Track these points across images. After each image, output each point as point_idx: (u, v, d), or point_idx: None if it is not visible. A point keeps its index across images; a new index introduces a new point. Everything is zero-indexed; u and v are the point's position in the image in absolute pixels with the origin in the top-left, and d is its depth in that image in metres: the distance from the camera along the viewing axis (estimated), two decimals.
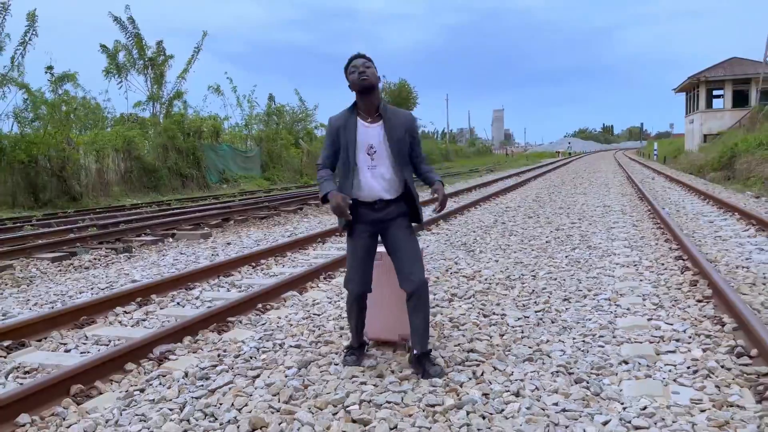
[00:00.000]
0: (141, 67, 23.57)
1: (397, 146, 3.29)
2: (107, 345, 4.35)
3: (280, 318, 4.73)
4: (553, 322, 4.24)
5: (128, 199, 18.98)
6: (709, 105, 39.31)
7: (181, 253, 8.21)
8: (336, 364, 3.61)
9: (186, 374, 3.56)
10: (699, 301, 4.58)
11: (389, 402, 3.02)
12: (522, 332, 4.06)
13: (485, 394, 3.05)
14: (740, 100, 37.80)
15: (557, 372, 3.30)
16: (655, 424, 2.65)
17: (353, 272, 3.44)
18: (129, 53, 23.45)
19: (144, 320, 4.96)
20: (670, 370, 3.26)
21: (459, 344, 3.86)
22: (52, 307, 5.45)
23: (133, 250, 8.65)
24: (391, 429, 2.74)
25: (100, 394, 3.34)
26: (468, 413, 2.83)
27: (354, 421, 2.83)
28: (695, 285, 5.03)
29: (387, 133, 3.29)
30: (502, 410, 2.85)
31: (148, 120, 24.34)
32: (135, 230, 9.91)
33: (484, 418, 2.80)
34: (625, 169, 28.11)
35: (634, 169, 28.52)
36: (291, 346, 4.00)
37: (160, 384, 3.44)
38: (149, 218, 11.77)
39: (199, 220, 11.19)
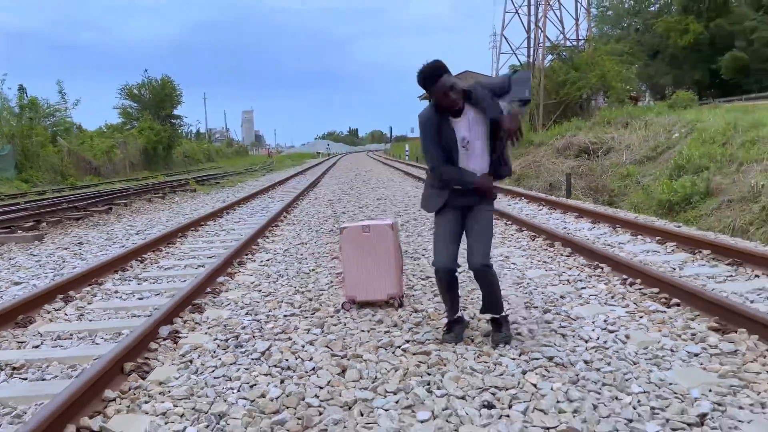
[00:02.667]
0: None
1: (483, 132, 3.46)
2: (70, 339, 4.20)
3: (239, 298, 4.97)
4: None
5: None
6: None
7: (33, 255, 7.47)
8: (344, 323, 4.13)
9: (218, 345, 3.77)
10: (568, 256, 6.04)
11: (428, 340, 3.71)
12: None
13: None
14: None
15: (527, 307, 4.31)
16: (620, 327, 3.80)
17: (438, 249, 3.58)
18: None
19: (83, 315, 4.77)
20: (595, 297, 4.50)
21: (429, 298, 4.65)
22: None
23: None
24: (453, 353, 3.46)
25: (152, 369, 3.42)
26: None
27: (414, 354, 3.48)
28: (553, 246, 6.53)
29: (479, 119, 3.44)
30: (519, 333, 3.76)
31: None
32: None
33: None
34: (393, 167, 30.95)
35: (401, 167, 31.41)
36: (287, 316, 4.39)
37: (201, 355, 3.62)
38: None
39: (8, 223, 9.95)
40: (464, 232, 3.64)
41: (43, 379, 3.47)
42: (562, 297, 4.56)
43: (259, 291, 5.21)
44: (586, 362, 3.24)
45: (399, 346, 3.62)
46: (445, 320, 4.03)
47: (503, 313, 3.67)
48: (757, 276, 4.97)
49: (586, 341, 3.57)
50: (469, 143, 3.47)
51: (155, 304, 4.94)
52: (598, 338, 3.61)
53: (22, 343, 4.09)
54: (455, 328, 3.70)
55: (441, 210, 3.63)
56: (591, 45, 29.51)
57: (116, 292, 5.45)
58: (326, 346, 3.67)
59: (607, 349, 3.44)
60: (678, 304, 4.16)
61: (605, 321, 3.93)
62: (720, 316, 3.76)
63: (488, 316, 3.71)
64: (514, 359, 3.32)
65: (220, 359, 3.52)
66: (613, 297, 4.51)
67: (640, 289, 4.63)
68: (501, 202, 11.73)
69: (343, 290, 4.59)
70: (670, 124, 19.46)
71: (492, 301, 3.62)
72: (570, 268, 5.52)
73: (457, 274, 3.66)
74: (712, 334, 3.57)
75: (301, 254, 6.91)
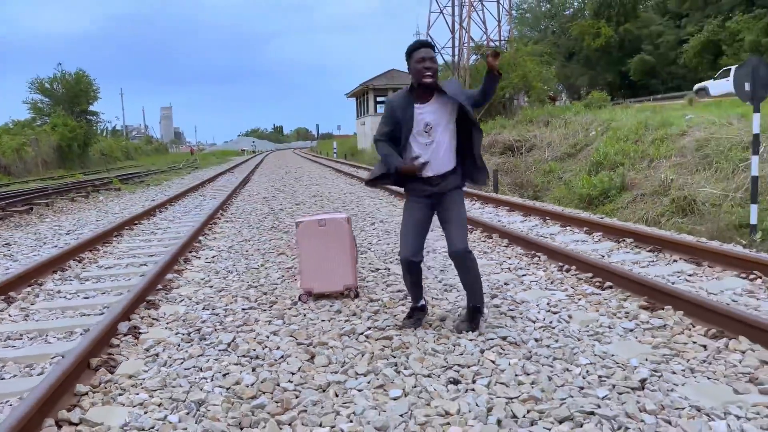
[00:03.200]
0: None
1: (453, 113, 3.58)
2: (20, 339, 4.11)
3: (192, 294, 4.99)
4: (428, 269, 5.51)
5: None
6: (376, 109, 45.42)
7: None
8: (304, 314, 4.26)
9: (182, 339, 3.81)
10: (506, 246, 6.40)
11: (389, 326, 3.91)
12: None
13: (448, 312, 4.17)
14: None
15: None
16: (562, 309, 4.13)
17: (404, 240, 3.68)
18: None
19: (28, 315, 4.65)
20: (536, 283, 4.84)
21: (382, 288, 4.85)
22: None
23: None
24: (415, 337, 3.67)
25: (118, 363, 3.43)
26: (453, 321, 3.92)
27: (378, 339, 3.66)
28: (491, 237, 6.88)
29: (443, 108, 3.56)
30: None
31: None
32: None
33: (464, 322, 3.92)
34: (322, 164, 30.97)
35: (331, 164, 31.43)
36: (245, 309, 4.46)
37: (166, 349, 3.66)
38: None
39: None
40: (439, 221, 3.75)
41: (2, 378, 3.41)
42: (506, 284, 4.87)
43: (211, 287, 5.24)
44: (536, 340, 3.53)
45: (362, 333, 3.79)
46: (401, 308, 4.25)
47: (480, 305, 3.74)
48: (675, 260, 5.48)
49: (534, 322, 3.88)
50: (433, 129, 3.56)
51: (104, 302, 4.88)
52: (544, 319, 3.92)
53: None
54: (416, 314, 3.87)
55: (409, 201, 3.75)
56: (513, 46, 30.62)
57: (59, 292, 5.32)
58: (291, 336, 3.79)
59: (554, 328, 3.75)
60: (611, 287, 4.56)
61: (548, 304, 4.26)
62: (648, 295, 4.17)
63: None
64: (471, 340, 3.57)
65: (186, 352, 3.57)
66: (552, 282, 4.86)
67: (575, 274, 5.01)
68: None
69: (300, 282, 4.70)
70: (587, 123, 20.51)
71: (473, 290, 3.70)
72: (510, 258, 5.86)
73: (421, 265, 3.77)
74: (643, 311, 3.96)
75: (247, 251, 6.93)
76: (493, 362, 3.23)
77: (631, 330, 3.65)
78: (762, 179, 9.95)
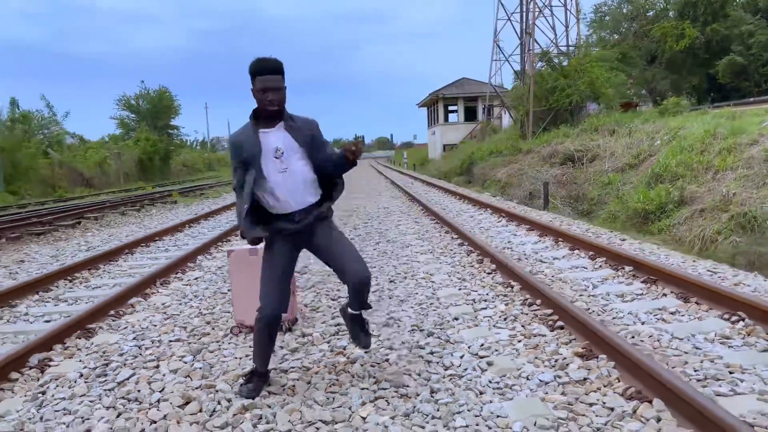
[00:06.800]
0: None
1: (305, 143, 3.12)
2: None
3: (139, 321, 4.92)
4: (390, 298, 5.19)
5: None
6: (446, 119, 45.01)
7: None
8: (223, 349, 4.07)
9: (81, 375, 3.71)
10: (489, 273, 5.95)
11: (293, 368, 3.64)
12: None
13: (366, 352, 3.84)
14: (470, 114, 44.02)
15: (412, 330, 4.23)
16: (493, 353, 3.71)
17: (269, 291, 3.21)
18: None
19: None
20: (488, 320, 4.42)
21: (324, 321, 4.58)
22: None
23: None
24: (308, 384, 3.39)
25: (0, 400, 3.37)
26: (361, 365, 3.60)
27: (267, 384, 3.41)
28: (482, 263, 6.43)
29: (292, 134, 3.11)
30: (387, 359, 3.68)
31: None
32: None
33: (374, 366, 3.59)
34: (384, 175, 30.91)
35: (393, 176, 31.40)
36: (171, 341, 4.32)
37: (59, 386, 3.56)
38: None
39: None
40: (321, 257, 3.33)
41: None
42: (455, 319, 4.47)
43: (164, 314, 5.15)
44: (432, 392, 3.15)
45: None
46: (325, 345, 3.98)
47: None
48: (664, 294, 4.86)
49: (447, 368, 3.49)
50: (285, 154, 3.07)
51: (41, 329, 4.88)
52: (460, 365, 3.52)
53: None
54: (256, 381, 3.30)
55: (268, 245, 3.29)
56: (580, 51, 29.39)
57: (26, 314, 5.42)
58: (187, 376, 3.61)
59: (461, 377, 3.35)
60: (562, 328, 4.07)
61: (481, 346, 3.84)
62: (590, 340, 3.66)
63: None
64: (364, 389, 3.24)
65: (72, 390, 3.46)
66: (505, 319, 4.41)
67: (536, 311, 4.53)
68: (464, 215, 11.63)
69: (233, 313, 4.52)
70: (654, 131, 19.28)
71: (365, 299, 3.34)
72: (483, 287, 5.42)
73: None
74: (577, 360, 3.47)
75: None
76: (364, 419, 2.90)
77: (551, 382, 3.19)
78: None
